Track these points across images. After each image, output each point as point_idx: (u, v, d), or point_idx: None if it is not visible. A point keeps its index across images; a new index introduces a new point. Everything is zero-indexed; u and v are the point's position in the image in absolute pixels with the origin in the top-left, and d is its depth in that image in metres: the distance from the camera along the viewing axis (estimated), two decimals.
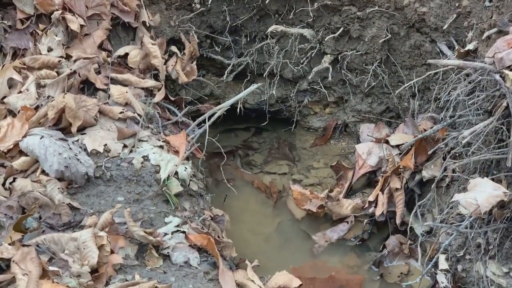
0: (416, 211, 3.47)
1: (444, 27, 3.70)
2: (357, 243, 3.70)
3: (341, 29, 4.09)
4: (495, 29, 3.25)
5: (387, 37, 3.97)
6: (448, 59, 3.59)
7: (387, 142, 3.85)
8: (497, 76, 2.92)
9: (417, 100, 3.97)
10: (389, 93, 4.20)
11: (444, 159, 3.42)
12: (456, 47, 3.60)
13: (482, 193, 2.80)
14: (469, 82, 3.21)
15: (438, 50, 3.80)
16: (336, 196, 3.77)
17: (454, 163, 3.26)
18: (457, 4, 3.62)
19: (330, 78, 4.23)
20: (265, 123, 4.48)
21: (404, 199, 3.57)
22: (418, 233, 3.42)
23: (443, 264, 3.19)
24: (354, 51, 4.13)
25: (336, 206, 3.72)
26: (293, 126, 4.57)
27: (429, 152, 3.50)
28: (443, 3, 3.70)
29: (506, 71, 2.87)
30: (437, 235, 3.30)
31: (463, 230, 3.00)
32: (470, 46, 3.47)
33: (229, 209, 3.79)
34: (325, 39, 4.15)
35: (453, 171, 3.30)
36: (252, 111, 4.54)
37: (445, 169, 3.34)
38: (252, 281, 2.95)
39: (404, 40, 3.98)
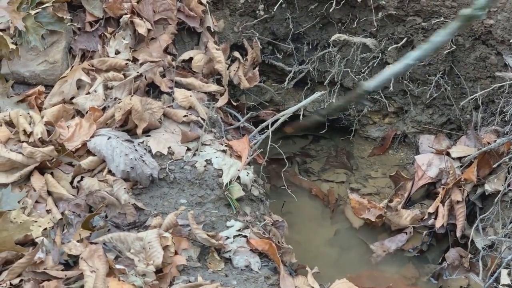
0: (477, 225, 3.43)
1: (511, 40, 3.66)
2: (416, 255, 3.67)
3: (405, 39, 4.08)
4: None
5: (451, 49, 3.94)
6: None
7: (448, 154, 3.82)
8: None
9: (480, 112, 3.93)
10: (451, 104, 4.16)
11: (508, 173, 3.38)
12: None
13: None
14: None
15: (505, 63, 3.75)
16: (395, 206, 3.75)
17: None
18: None
19: (391, 88, 4.21)
20: (323, 131, 4.48)
21: (465, 212, 3.53)
22: (479, 247, 3.39)
23: (505, 279, 3.14)
24: (417, 61, 4.10)
25: (395, 216, 3.71)
26: (351, 135, 4.55)
27: (493, 166, 3.46)
28: (511, 16, 3.65)
29: None
30: (499, 249, 3.25)
31: None
32: None
33: (286, 216, 3.80)
34: (388, 49, 4.14)
35: None
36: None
37: (509, 184, 3.30)
38: (312, 287, 2.95)
39: (469, 52, 3.94)
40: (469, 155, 3.65)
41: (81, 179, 3.09)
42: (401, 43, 4.09)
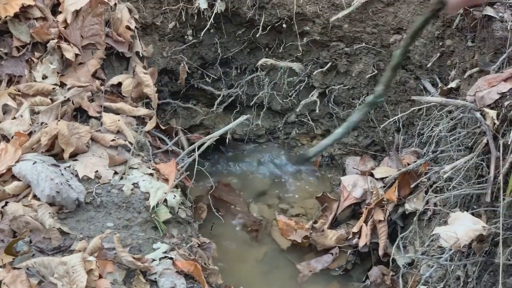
0: (398, 243, 3.53)
1: (428, 65, 3.82)
2: (341, 273, 3.76)
3: (329, 63, 4.21)
4: (476, 69, 3.37)
5: (373, 73, 4.08)
6: (432, 96, 3.70)
7: (371, 175, 3.93)
8: (478, 114, 3.02)
9: (401, 134, 4.07)
10: (374, 127, 4.30)
11: (426, 192, 3.50)
12: (439, 85, 3.71)
13: (462, 227, 2.86)
14: (451, 119, 3.32)
15: (422, 87, 3.91)
16: (321, 227, 3.85)
17: (436, 197, 3.34)
18: (440, 44, 3.74)
19: (317, 111, 4.33)
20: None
21: (387, 231, 3.65)
22: (400, 264, 3.49)
23: None
24: (342, 85, 4.24)
25: (321, 237, 3.80)
26: None
27: (412, 186, 3.58)
28: (428, 42, 3.81)
29: (487, 110, 2.97)
30: (418, 267, 3.37)
31: (443, 263, 3.07)
32: (452, 84, 3.58)
33: (215, 238, 3.86)
34: (314, 73, 4.27)
35: (435, 204, 3.39)
36: (241, 141, 4.62)
37: (427, 203, 3.43)
38: None
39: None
40: (390, 175, 3.76)
41: (6, 204, 3.07)
42: (326, 67, 4.23)
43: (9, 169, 3.20)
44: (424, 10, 3.77)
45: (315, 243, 3.81)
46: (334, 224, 3.98)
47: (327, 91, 4.34)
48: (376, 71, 4.08)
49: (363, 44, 4.06)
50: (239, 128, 4.56)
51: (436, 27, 3.73)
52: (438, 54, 3.76)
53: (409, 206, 3.60)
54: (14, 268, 2.75)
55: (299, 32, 4.15)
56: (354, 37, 4.07)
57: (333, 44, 4.15)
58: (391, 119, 3.83)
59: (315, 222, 3.88)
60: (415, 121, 3.98)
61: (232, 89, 4.51)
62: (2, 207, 3.06)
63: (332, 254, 3.78)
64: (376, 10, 3.93)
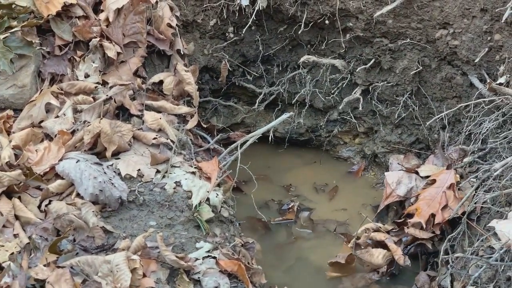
0: (446, 245, 3.45)
1: (476, 61, 3.73)
2: (387, 278, 3.66)
3: (373, 60, 4.14)
4: None
5: (418, 69, 4.00)
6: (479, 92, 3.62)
7: (416, 173, 3.85)
8: None
9: (447, 132, 3.98)
10: (419, 124, 4.22)
11: (475, 191, 3.41)
12: (488, 80, 3.62)
13: None
14: (503, 114, 3.23)
15: (470, 83, 3.82)
16: (365, 241, 3.71)
17: (485, 195, 3.25)
18: (489, 38, 3.65)
19: (360, 109, 4.26)
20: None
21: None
22: (448, 266, 3.40)
23: None
24: (385, 82, 4.17)
25: (366, 254, 3.65)
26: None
27: (461, 184, 3.49)
28: (475, 36, 3.72)
29: None
30: (467, 267, 3.28)
31: (493, 263, 2.98)
32: (501, 80, 3.49)
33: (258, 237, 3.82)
34: (356, 70, 4.20)
35: (484, 203, 3.29)
36: (283, 140, 4.58)
37: (475, 202, 3.34)
38: None
39: (435, 72, 4.01)
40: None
41: (49, 203, 3.08)
42: (369, 64, 4.16)
43: (53, 168, 3.20)
44: (471, 3, 3.69)
45: (361, 262, 3.68)
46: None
47: (370, 88, 4.26)
48: (420, 67, 3.98)
49: (408, 40, 3.98)
50: (280, 126, 4.51)
51: (484, 21, 3.64)
52: (486, 49, 3.67)
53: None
54: (58, 267, 2.74)
55: (342, 29, 4.10)
56: (398, 32, 4.00)
57: (377, 40, 4.09)
58: (437, 116, 3.75)
59: (358, 238, 3.75)
60: (461, 117, 3.89)
61: (273, 86, 4.47)
62: (46, 205, 3.07)
63: (378, 273, 3.65)
64: (422, 5, 3.85)
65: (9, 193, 3.08)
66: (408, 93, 4.13)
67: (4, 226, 2.95)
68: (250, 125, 4.58)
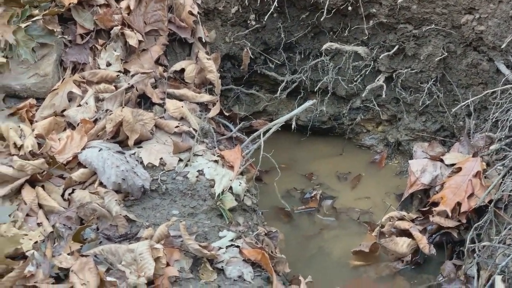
0: (472, 233, 3.40)
1: (503, 46, 3.66)
2: (411, 268, 3.62)
3: (396, 47, 4.08)
4: None
5: (443, 56, 3.94)
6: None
7: (441, 161, 3.80)
8: None
9: (473, 119, 3.92)
10: (443, 111, 4.16)
11: (502, 179, 3.35)
12: None
13: None
14: None
15: (496, 69, 3.75)
16: (389, 230, 3.67)
17: None
18: None
19: (383, 96, 4.21)
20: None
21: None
22: (474, 255, 3.36)
23: (499, 285, 3.11)
24: (409, 69, 4.11)
25: (391, 243, 3.62)
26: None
27: (487, 172, 3.44)
28: (502, 21, 3.66)
29: None
30: (493, 256, 3.23)
31: None
32: None
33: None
34: (380, 57, 4.15)
35: None
36: (305, 128, 4.54)
37: (503, 190, 3.29)
38: None
39: (460, 58, 3.94)
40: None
41: (72, 192, 3.08)
42: (393, 51, 4.10)
43: (75, 156, 3.20)
44: None
45: (386, 251, 3.65)
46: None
47: (393, 76, 4.20)
48: (446, 54, 3.92)
49: (433, 26, 3.91)
50: (302, 114, 4.47)
51: (511, 6, 3.56)
52: None
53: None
54: (82, 256, 2.74)
55: (365, 15, 4.04)
56: (423, 18, 3.93)
57: (401, 26, 4.02)
58: (463, 103, 3.69)
59: (382, 226, 3.71)
60: (487, 104, 3.83)
61: (295, 74, 4.43)
62: (69, 194, 3.07)
63: (402, 262, 3.60)
64: None
65: (33, 182, 3.08)
66: (432, 80, 4.06)
67: (27, 215, 2.96)
68: (272, 113, 4.55)
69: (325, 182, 4.26)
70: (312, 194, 4.09)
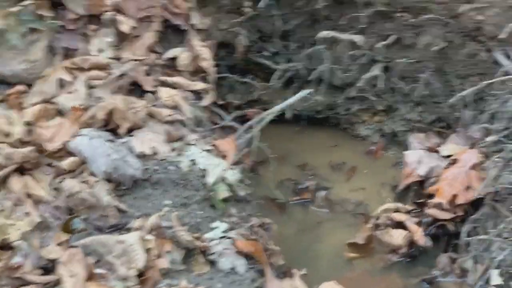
0: (468, 226, 3.38)
1: (501, 36, 3.62)
2: (407, 260, 3.59)
3: (394, 36, 4.03)
4: None
5: (441, 46, 3.89)
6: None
7: (437, 152, 3.77)
8: None
9: (470, 110, 3.88)
10: (440, 102, 4.11)
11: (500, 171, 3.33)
12: None
13: None
14: None
15: (494, 60, 3.72)
16: (385, 222, 3.63)
17: (510, 176, 3.17)
18: None
19: (380, 86, 4.16)
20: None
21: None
22: (471, 248, 3.33)
23: (496, 280, 3.09)
24: (406, 59, 4.06)
25: (386, 235, 3.59)
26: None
27: (484, 164, 3.41)
28: (501, 11, 3.64)
29: None
30: (490, 250, 3.20)
31: None
32: None
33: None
34: (376, 46, 4.09)
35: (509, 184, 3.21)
36: (300, 117, 4.49)
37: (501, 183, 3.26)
38: None
39: (458, 48, 3.90)
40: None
41: (62, 181, 3.02)
42: (390, 40, 4.05)
43: (65, 145, 3.13)
44: None
45: (380, 243, 3.61)
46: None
47: (390, 65, 4.15)
48: (444, 44, 3.87)
49: (431, 15, 3.86)
50: (297, 104, 4.41)
51: None
52: None
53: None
54: (71, 247, 2.70)
55: (362, 3, 3.99)
56: (421, 7, 3.90)
57: (398, 15, 3.98)
58: (460, 94, 3.65)
59: (377, 218, 3.67)
60: (484, 95, 3.79)
61: (291, 63, 4.36)
62: (59, 183, 3.00)
63: (397, 254, 3.58)
64: None
65: (21, 170, 3.02)
66: (429, 70, 4.02)
67: (15, 204, 2.89)
68: (267, 102, 4.48)
69: (320, 173, 4.21)
70: (306, 185, 4.05)
